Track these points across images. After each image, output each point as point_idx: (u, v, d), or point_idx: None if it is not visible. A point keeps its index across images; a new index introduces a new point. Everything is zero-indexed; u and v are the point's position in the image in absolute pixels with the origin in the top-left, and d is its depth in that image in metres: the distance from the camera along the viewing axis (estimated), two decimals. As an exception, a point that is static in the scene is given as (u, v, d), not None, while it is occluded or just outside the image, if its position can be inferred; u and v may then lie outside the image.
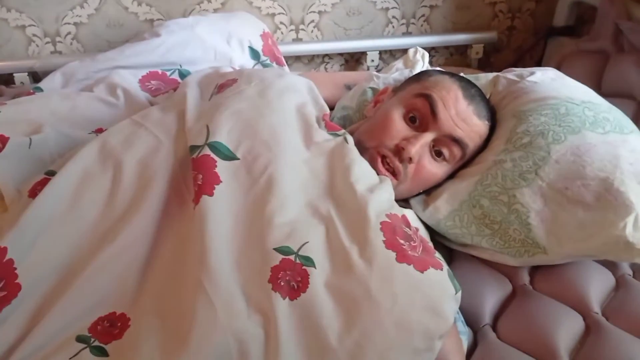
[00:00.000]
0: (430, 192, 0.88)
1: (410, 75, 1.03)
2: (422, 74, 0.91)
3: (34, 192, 0.70)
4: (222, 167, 0.70)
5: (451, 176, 0.88)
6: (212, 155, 0.71)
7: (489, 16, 1.60)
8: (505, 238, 0.81)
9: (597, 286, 0.81)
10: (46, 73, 1.25)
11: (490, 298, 0.81)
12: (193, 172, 0.70)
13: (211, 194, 0.67)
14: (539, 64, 1.60)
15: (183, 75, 1.14)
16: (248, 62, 1.22)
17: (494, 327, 0.78)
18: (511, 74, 0.98)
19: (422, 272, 0.63)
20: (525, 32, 1.66)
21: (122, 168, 0.72)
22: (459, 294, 0.66)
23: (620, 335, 0.74)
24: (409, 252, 0.65)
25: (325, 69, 1.57)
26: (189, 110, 0.81)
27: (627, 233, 0.73)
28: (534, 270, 0.84)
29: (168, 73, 1.14)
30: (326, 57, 1.55)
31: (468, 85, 0.86)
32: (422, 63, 1.15)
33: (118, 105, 1.02)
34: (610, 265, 0.84)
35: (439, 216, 0.85)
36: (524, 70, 0.98)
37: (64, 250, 0.66)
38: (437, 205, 0.85)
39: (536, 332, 0.74)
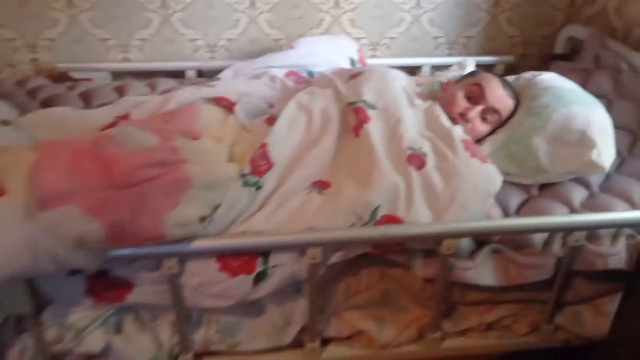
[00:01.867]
0: (479, 141, 1.36)
1: (463, 74, 1.58)
2: (474, 72, 1.43)
3: (268, 122, 1.23)
4: (370, 112, 1.23)
5: (492, 132, 1.37)
6: (364, 106, 1.24)
7: (509, 45, 2.02)
8: (524, 167, 1.28)
9: (578, 194, 1.27)
10: (208, 70, 1.79)
11: (514, 201, 1.27)
12: (354, 114, 1.23)
13: (368, 123, 1.21)
14: (544, 80, 2.06)
15: (309, 73, 1.65)
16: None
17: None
18: (527, 74, 1.50)
19: (484, 163, 1.16)
20: (534, 57, 2.05)
21: (312, 114, 1.24)
22: (502, 178, 1.18)
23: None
24: (477, 154, 1.18)
25: (390, 78, 2.07)
26: (339, 85, 1.33)
27: (593, 158, 1.22)
28: (541, 186, 1.32)
29: (300, 72, 1.65)
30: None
31: (503, 79, 1.38)
32: (469, 67, 1.65)
33: (276, 89, 1.55)
34: (587, 185, 1.31)
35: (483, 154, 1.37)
36: (536, 72, 1.50)
37: (289, 150, 1.17)
38: (483, 148, 1.32)
39: (542, 213, 1.23)
